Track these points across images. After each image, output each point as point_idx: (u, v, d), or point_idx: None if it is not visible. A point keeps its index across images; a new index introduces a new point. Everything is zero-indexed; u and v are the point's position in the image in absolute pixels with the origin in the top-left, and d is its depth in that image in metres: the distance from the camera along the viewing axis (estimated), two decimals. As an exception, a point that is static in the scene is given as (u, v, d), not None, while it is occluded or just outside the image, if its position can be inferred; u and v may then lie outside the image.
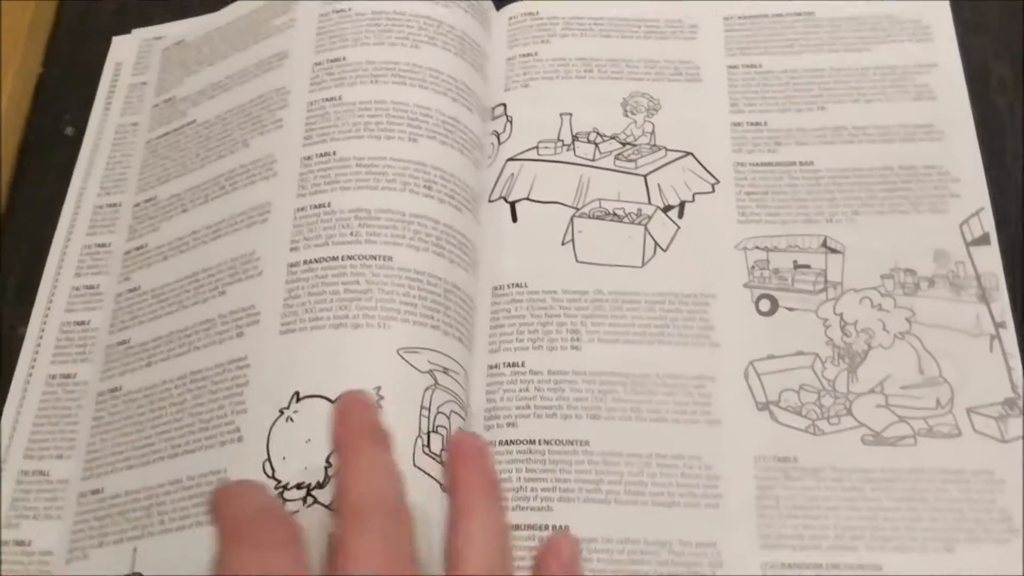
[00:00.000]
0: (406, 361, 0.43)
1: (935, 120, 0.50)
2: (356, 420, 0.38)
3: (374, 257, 0.45)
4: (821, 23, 0.54)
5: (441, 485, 0.41)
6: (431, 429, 0.42)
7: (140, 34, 0.61)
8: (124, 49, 0.61)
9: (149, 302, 0.50)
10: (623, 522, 0.42)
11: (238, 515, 0.35)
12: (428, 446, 0.42)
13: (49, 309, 0.53)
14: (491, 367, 0.47)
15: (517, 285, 0.48)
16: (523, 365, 0.46)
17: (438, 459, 0.42)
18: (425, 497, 0.41)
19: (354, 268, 0.45)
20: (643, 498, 0.43)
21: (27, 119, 0.60)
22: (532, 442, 0.44)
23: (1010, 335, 0.44)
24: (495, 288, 0.48)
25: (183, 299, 0.49)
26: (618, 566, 0.41)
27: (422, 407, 0.42)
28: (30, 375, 0.51)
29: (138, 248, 0.53)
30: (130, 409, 0.48)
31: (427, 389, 0.43)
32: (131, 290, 0.51)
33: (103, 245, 0.54)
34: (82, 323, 0.52)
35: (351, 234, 0.46)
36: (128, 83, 0.59)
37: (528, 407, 0.45)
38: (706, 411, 0.44)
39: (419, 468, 0.41)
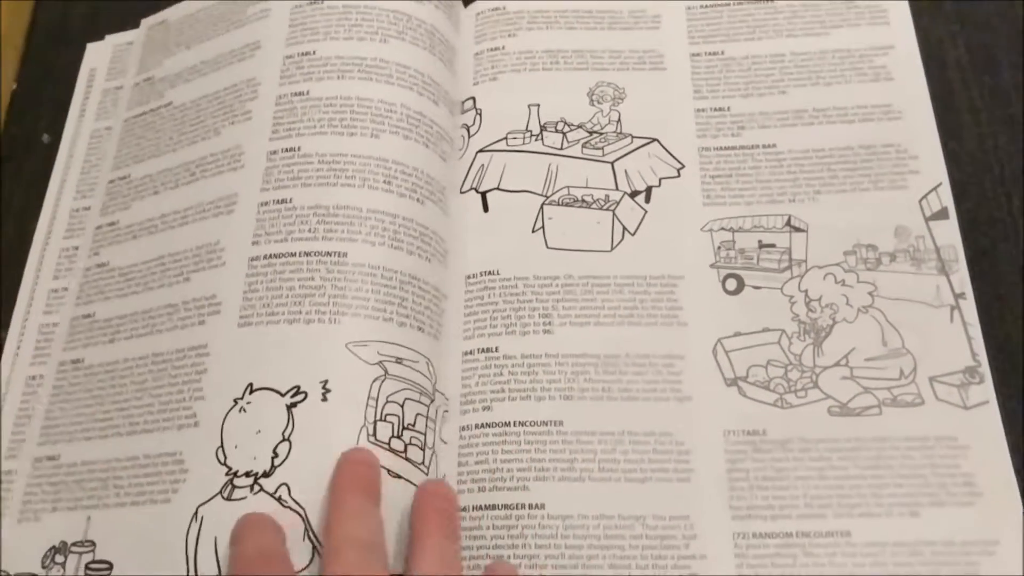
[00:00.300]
0: (354, 354, 0.45)
1: (893, 100, 0.51)
2: (352, 473, 0.42)
3: (329, 254, 0.47)
4: (781, 9, 0.55)
5: (388, 472, 0.43)
6: (378, 418, 0.44)
7: (113, 40, 0.62)
8: (98, 55, 0.62)
9: (116, 279, 0.52)
10: (597, 499, 0.43)
11: (248, 552, 0.40)
12: (374, 435, 0.43)
13: (28, 312, 0.54)
14: (466, 353, 0.47)
15: (489, 273, 0.49)
16: (497, 350, 0.47)
17: (385, 447, 0.43)
18: None
19: (310, 264, 0.47)
20: (616, 475, 0.44)
21: (4, 127, 0.60)
22: (507, 424, 0.45)
23: (970, 305, 0.46)
24: (468, 276, 0.49)
25: (149, 281, 0.51)
26: (593, 541, 0.42)
27: (369, 397, 0.44)
28: (9, 377, 0.52)
29: (110, 224, 0.54)
30: (91, 382, 0.49)
31: (375, 380, 0.44)
32: (100, 265, 0.53)
33: (79, 248, 0.55)
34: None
35: (309, 231, 0.48)
36: (102, 88, 0.60)
37: (503, 391, 0.46)
38: (676, 389, 0.45)
39: None
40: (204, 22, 0.58)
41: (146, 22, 0.61)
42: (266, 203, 0.49)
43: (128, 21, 0.62)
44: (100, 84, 0.60)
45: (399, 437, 0.44)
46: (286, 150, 0.50)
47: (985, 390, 0.44)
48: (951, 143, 0.50)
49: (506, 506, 0.44)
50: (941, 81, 0.52)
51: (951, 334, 0.45)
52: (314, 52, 0.53)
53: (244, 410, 0.44)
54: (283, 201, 0.49)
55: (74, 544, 0.45)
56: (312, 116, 0.51)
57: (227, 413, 0.45)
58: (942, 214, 0.48)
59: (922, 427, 0.43)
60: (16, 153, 0.59)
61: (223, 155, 0.52)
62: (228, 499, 0.43)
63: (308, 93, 0.51)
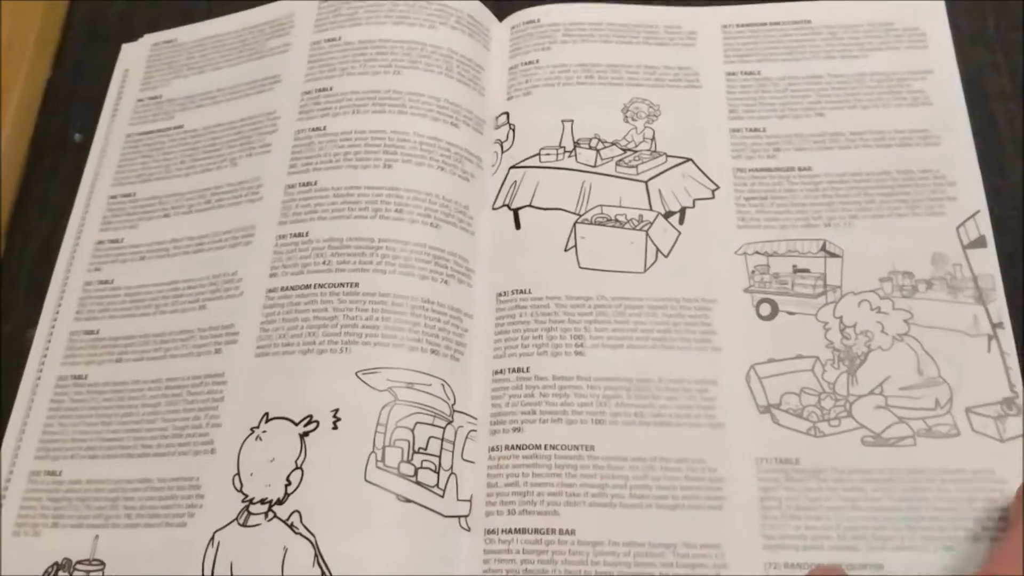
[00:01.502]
0: (363, 382, 0.46)
1: (931, 125, 0.50)
2: None
3: (341, 285, 0.48)
4: (819, 30, 0.54)
5: (397, 496, 0.43)
6: (387, 444, 0.44)
7: (150, 39, 0.61)
8: (132, 55, 0.61)
9: (122, 298, 0.52)
10: (628, 525, 0.43)
11: None
12: (383, 460, 0.44)
13: (58, 313, 0.53)
14: (496, 372, 0.47)
15: (521, 291, 0.49)
16: (528, 371, 0.47)
17: (394, 472, 0.44)
18: (377, 508, 0.43)
19: (323, 296, 0.48)
20: (647, 501, 0.43)
21: (36, 125, 0.60)
22: (538, 447, 0.45)
23: (1007, 335, 0.45)
24: (499, 294, 0.49)
25: (161, 304, 0.51)
26: (623, 568, 0.42)
27: (378, 424, 0.45)
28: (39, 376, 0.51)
29: (113, 241, 0.54)
30: (96, 400, 0.49)
31: (384, 406, 0.45)
32: (103, 282, 0.53)
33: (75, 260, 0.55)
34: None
35: (324, 263, 0.49)
36: (137, 89, 0.60)
37: (533, 412, 0.46)
38: (709, 414, 0.45)
39: (370, 482, 0.44)
40: (220, 48, 0.59)
41: (151, 38, 0.61)
42: (283, 236, 0.50)
43: (162, 22, 0.62)
44: (135, 85, 0.60)
45: (409, 461, 0.44)
46: (303, 184, 0.51)
47: (1022, 422, 0.43)
48: (993, 176, 0.49)
49: (536, 530, 0.43)
50: (983, 112, 0.51)
51: (988, 364, 0.45)
52: (331, 88, 0.54)
53: (260, 439, 0.46)
54: (300, 235, 0.50)
55: (80, 562, 0.46)
56: (328, 151, 0.52)
57: (244, 441, 0.46)
58: (980, 242, 0.47)
59: (958, 459, 0.43)
60: (49, 151, 0.59)
61: (240, 186, 0.53)
62: (243, 525, 0.44)
63: (325, 128, 0.53)
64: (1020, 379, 0.44)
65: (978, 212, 0.48)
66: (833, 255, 0.48)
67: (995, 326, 0.46)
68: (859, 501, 0.43)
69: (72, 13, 0.64)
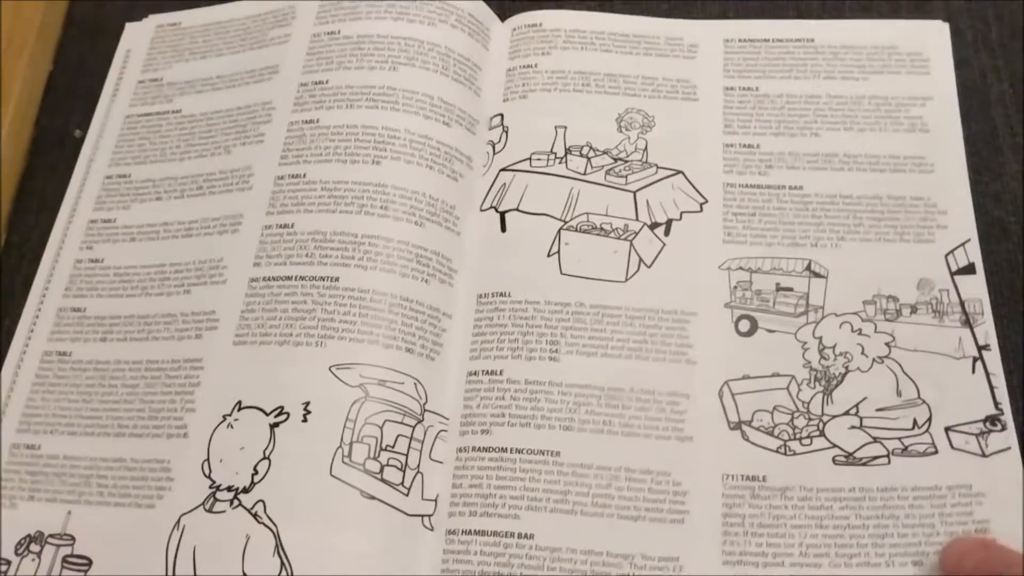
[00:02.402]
0: (336, 377, 0.46)
1: (926, 153, 0.50)
2: None
3: (322, 278, 0.48)
4: (821, 50, 0.54)
5: (361, 492, 0.43)
6: (355, 439, 0.44)
7: (155, 20, 0.61)
8: (136, 36, 0.61)
9: (111, 278, 0.52)
10: (588, 533, 0.43)
11: None
12: (349, 456, 0.44)
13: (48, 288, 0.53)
14: (471, 374, 0.47)
15: (501, 294, 0.49)
16: (501, 373, 0.47)
17: (360, 468, 0.44)
18: (341, 503, 0.43)
19: (303, 288, 0.48)
20: (609, 510, 0.43)
21: (36, 121, 0.60)
22: (504, 450, 0.45)
23: (994, 356, 0.45)
24: (480, 296, 0.49)
25: (147, 286, 0.51)
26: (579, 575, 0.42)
27: (347, 419, 0.45)
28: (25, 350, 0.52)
29: (106, 221, 0.54)
30: (79, 377, 0.50)
31: (355, 402, 0.45)
32: (93, 260, 0.53)
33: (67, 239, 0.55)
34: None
35: (307, 255, 0.49)
36: (139, 71, 0.60)
37: (503, 415, 0.46)
38: (678, 428, 0.44)
39: (335, 477, 0.44)
40: (223, 35, 0.59)
41: (155, 19, 0.61)
42: (270, 227, 0.50)
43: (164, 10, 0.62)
44: (136, 68, 0.60)
45: (375, 458, 0.44)
46: (293, 176, 0.52)
47: (1007, 437, 0.43)
48: (992, 182, 0.49)
49: (495, 533, 0.43)
50: (984, 117, 0.51)
51: (972, 385, 0.44)
52: (327, 81, 0.54)
53: (231, 426, 0.46)
54: (286, 226, 0.50)
55: (51, 536, 0.46)
56: (319, 144, 0.52)
57: (215, 428, 0.46)
58: (968, 269, 0.47)
59: (934, 477, 0.43)
60: (49, 147, 0.59)
61: (232, 174, 0.53)
62: (209, 511, 0.44)
63: (318, 121, 0.53)
64: (1006, 397, 0.44)
65: (968, 240, 0.47)
66: (818, 275, 0.47)
67: (981, 348, 0.45)
68: (825, 520, 0.42)
69: (73, 8, 0.64)
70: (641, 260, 0.49)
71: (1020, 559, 0.39)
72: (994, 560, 0.39)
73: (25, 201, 0.57)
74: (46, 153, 0.59)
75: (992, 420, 0.43)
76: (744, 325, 0.47)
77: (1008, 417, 0.43)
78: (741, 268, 0.48)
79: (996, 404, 0.44)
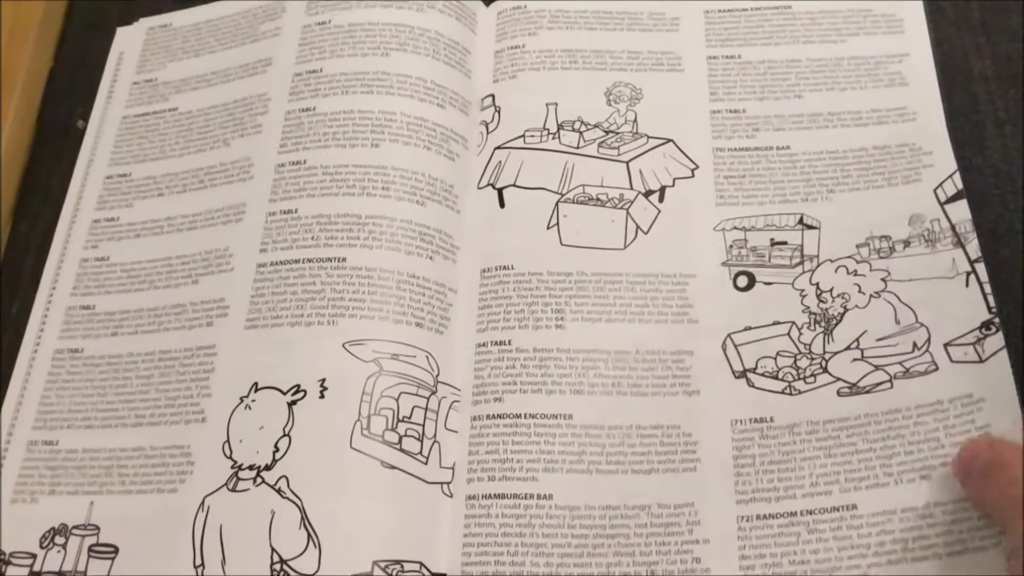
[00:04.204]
0: (350, 353, 0.47)
1: (908, 103, 0.51)
2: None
3: (329, 259, 0.49)
4: (799, 15, 0.55)
5: (381, 463, 0.44)
6: (372, 412, 0.46)
7: (146, 23, 0.63)
8: (128, 39, 0.62)
9: (118, 274, 0.53)
10: (604, 490, 0.44)
11: None
12: (368, 428, 0.45)
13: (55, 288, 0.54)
14: (479, 345, 0.48)
15: (504, 267, 0.50)
16: (510, 343, 0.48)
17: (379, 439, 0.45)
18: (362, 474, 0.44)
19: (311, 270, 0.49)
20: (623, 467, 0.44)
21: (39, 114, 0.61)
22: (518, 416, 0.46)
23: (984, 269, 0.46)
24: (483, 270, 0.50)
25: (155, 280, 0.52)
26: (599, 531, 0.43)
27: (363, 393, 0.46)
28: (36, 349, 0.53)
29: (109, 219, 0.55)
30: (92, 372, 0.51)
31: (370, 376, 0.46)
32: (99, 258, 0.54)
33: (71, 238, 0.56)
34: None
35: (312, 238, 0.50)
36: (133, 73, 0.61)
37: (514, 383, 0.47)
38: (685, 383, 0.46)
39: (356, 449, 0.45)
40: (214, 33, 0.60)
41: (146, 22, 0.62)
42: (273, 213, 0.52)
43: (163, 9, 0.63)
44: (130, 68, 0.61)
45: (393, 429, 0.45)
46: (293, 163, 0.53)
47: (1001, 338, 0.44)
48: (975, 156, 0.50)
49: (515, 495, 0.44)
50: (966, 93, 0.52)
51: (966, 297, 0.45)
52: (321, 70, 0.55)
53: (249, 407, 0.47)
54: (289, 212, 0.51)
55: (75, 527, 0.47)
56: (318, 131, 0.53)
57: (233, 410, 0.47)
58: (957, 196, 0.48)
59: (936, 392, 0.44)
60: (52, 138, 0.60)
61: (232, 165, 0.55)
62: (233, 490, 0.45)
63: (315, 109, 0.54)
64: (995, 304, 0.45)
65: (954, 172, 0.49)
66: (810, 227, 0.49)
67: (973, 262, 0.46)
68: (833, 448, 0.43)
69: (74, 2, 0.65)
70: (638, 227, 0.50)
71: None
72: (1003, 456, 0.39)
73: (30, 191, 0.59)
74: (50, 144, 0.60)
75: (987, 324, 0.45)
76: (742, 281, 0.48)
77: (999, 320, 0.44)
78: (736, 228, 0.49)
79: (990, 309, 0.45)
